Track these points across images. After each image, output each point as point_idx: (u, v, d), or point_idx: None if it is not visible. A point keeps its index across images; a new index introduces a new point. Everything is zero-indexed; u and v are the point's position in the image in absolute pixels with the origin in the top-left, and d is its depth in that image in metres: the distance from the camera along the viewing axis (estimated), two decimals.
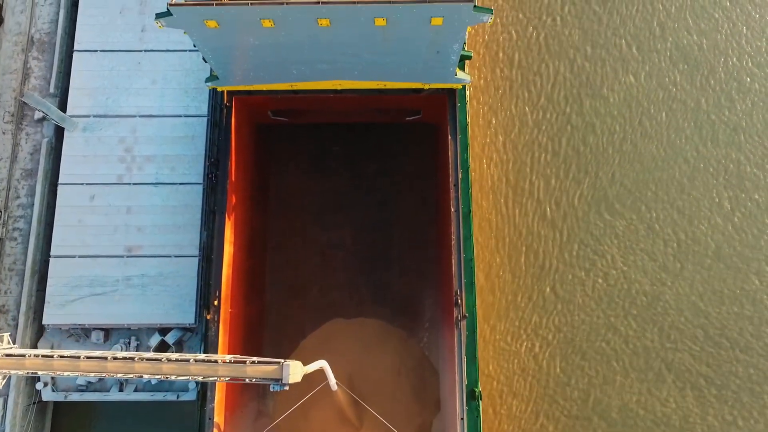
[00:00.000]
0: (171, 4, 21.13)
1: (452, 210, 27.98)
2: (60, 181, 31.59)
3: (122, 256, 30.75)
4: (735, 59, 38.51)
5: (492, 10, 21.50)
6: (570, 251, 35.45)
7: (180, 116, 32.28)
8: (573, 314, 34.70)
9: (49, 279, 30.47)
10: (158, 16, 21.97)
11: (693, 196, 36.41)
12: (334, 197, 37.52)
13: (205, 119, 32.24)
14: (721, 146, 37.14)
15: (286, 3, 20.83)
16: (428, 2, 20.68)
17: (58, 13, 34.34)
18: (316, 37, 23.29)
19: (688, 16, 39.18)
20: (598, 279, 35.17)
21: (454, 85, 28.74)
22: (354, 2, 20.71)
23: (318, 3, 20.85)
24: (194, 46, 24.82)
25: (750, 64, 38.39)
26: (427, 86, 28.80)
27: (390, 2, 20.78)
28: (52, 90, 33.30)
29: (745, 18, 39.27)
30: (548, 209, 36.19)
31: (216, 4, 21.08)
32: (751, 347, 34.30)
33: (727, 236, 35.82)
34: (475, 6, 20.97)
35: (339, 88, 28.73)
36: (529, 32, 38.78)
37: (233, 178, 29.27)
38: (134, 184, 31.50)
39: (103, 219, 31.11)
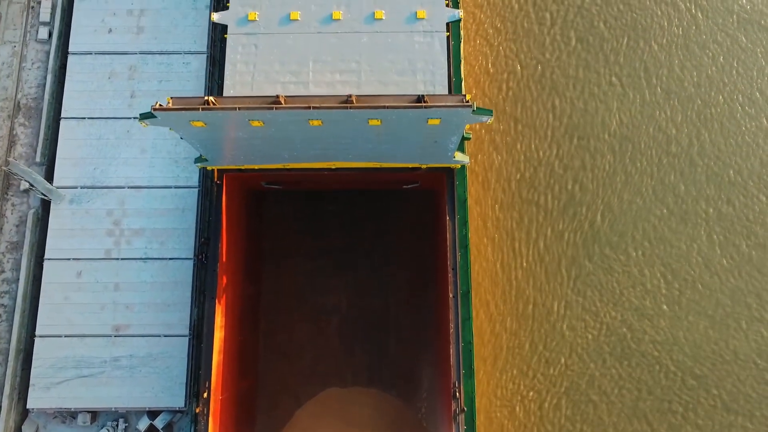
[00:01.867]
0: (155, 109, 20.27)
1: (450, 296, 27.13)
2: (46, 256, 30.63)
3: (110, 336, 29.76)
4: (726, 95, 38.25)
5: (492, 112, 20.65)
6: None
7: (170, 187, 31.31)
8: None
9: (33, 361, 29.44)
10: (142, 116, 21.12)
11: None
12: (329, 259, 36.62)
13: (196, 190, 31.32)
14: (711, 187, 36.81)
15: (276, 108, 19.98)
16: (425, 107, 19.86)
17: (45, 77, 33.38)
18: (308, 132, 22.47)
19: (678, 54, 38.75)
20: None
21: (452, 165, 27.91)
22: (347, 107, 19.88)
23: (309, 108, 20.02)
24: (180, 138, 23.96)
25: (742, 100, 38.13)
26: (424, 166, 27.98)
27: (385, 107, 19.94)
28: (38, 158, 32.34)
29: (735, 57, 38.87)
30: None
31: (202, 109, 20.23)
32: None
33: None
34: (474, 110, 20.14)
35: (333, 167, 27.90)
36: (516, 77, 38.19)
37: (224, 259, 28.40)
38: (122, 259, 30.53)
39: (90, 296, 30.14)
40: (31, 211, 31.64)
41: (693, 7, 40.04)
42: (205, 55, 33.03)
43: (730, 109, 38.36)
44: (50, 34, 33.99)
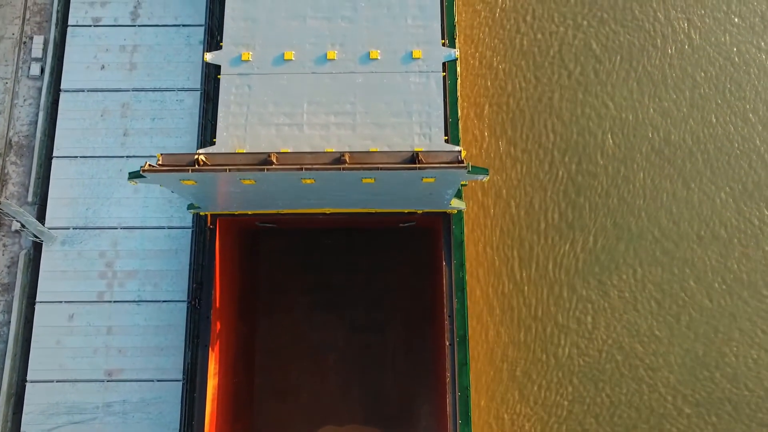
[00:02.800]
0: (144, 170, 19.87)
1: (447, 344, 26.69)
2: (38, 299, 30.21)
3: (102, 381, 29.33)
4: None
5: (488, 171, 20.24)
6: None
7: (163, 228, 30.91)
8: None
9: (25, 406, 29.00)
10: (131, 175, 20.72)
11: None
12: (325, 295, 36.16)
13: (190, 231, 30.92)
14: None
15: (267, 170, 19.57)
16: (419, 168, 19.44)
17: (37, 115, 33.03)
18: (301, 187, 22.07)
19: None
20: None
21: (449, 210, 27.51)
22: (340, 168, 19.47)
23: (301, 169, 19.60)
24: (171, 192, 23.58)
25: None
26: (420, 211, 27.57)
27: (378, 168, 19.52)
28: (30, 198, 31.95)
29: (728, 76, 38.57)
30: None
31: (192, 170, 19.82)
32: None
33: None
34: (469, 170, 19.72)
35: (328, 212, 27.49)
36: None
37: (218, 305, 27.97)
38: (115, 302, 30.11)
39: (83, 340, 29.73)
40: (23, 252, 31.24)
41: (687, 26, 39.65)
42: (198, 92, 32.70)
43: (723, 130, 38.01)
44: (42, 71, 33.62)
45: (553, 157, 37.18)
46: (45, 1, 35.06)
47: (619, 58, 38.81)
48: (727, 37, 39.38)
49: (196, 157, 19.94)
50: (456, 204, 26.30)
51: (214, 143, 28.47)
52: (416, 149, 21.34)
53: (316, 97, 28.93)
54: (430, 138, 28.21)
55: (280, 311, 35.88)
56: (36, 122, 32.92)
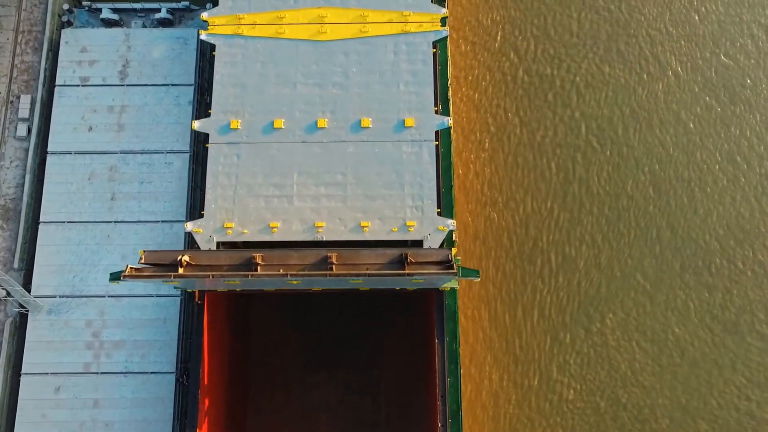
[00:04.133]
0: (125, 275, 19.34)
1: (438, 425, 26.04)
2: (23, 370, 29.55)
3: None
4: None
5: (479, 272, 19.70)
6: None
7: (151, 296, 30.27)
8: None
9: None
10: (112, 277, 20.18)
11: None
12: (318, 354, 35.48)
13: (178, 299, 30.33)
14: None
15: (251, 276, 19.04)
16: (407, 275, 18.89)
17: (24, 177, 32.46)
18: (288, 283, 21.53)
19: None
20: None
21: (442, 287, 26.94)
22: (326, 275, 18.93)
23: (286, 276, 19.05)
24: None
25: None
26: (411, 289, 27.03)
27: (366, 275, 18.97)
28: (16, 264, 31.33)
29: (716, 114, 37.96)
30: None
31: (173, 276, 19.28)
32: None
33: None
34: (459, 273, 19.17)
35: (319, 290, 26.96)
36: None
37: (206, 381, 27.36)
38: (102, 373, 29.48)
39: (68, 414, 29.06)
40: (9, 321, 30.61)
41: (674, 61, 39.00)
42: (187, 154, 32.15)
43: (709, 170, 37.32)
44: (29, 131, 33.02)
45: (540, 195, 36.57)
46: (33, 59, 34.57)
47: (604, 95, 38.13)
48: (714, 74, 38.67)
49: (179, 258, 19.36)
50: (450, 284, 25.77)
51: (202, 215, 28.05)
52: (405, 252, 20.55)
53: (306, 167, 28.40)
54: (422, 210, 27.68)
55: (272, 370, 35.23)
56: (23, 185, 32.36)
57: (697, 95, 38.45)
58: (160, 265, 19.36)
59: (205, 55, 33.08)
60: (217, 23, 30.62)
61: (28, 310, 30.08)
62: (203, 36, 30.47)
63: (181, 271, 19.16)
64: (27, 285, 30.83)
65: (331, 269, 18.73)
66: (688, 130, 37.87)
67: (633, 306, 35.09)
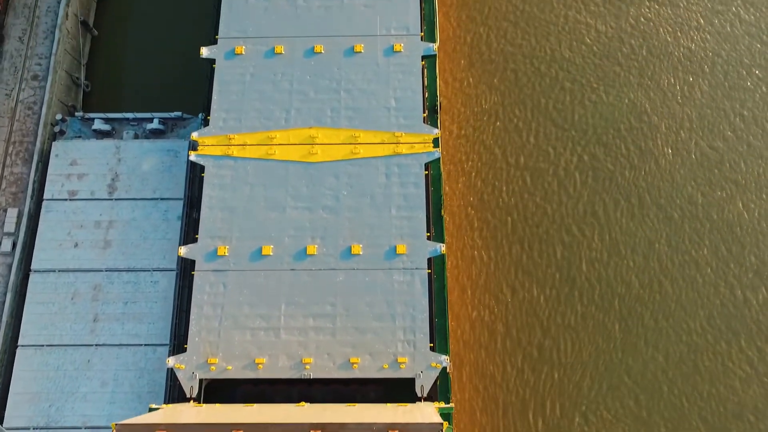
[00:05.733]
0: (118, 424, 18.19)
1: None
2: None
3: None
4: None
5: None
6: None
7: None
8: None
9: None
10: None
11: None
12: None
13: None
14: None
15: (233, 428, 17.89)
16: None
17: (5, 294, 31.54)
18: None
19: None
20: None
21: None
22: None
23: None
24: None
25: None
26: None
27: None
28: None
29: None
30: None
31: None
32: None
33: None
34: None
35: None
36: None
37: None
38: None
39: None
40: None
41: (663, 145, 38.51)
42: (174, 272, 31.31)
43: (693, 260, 36.23)
44: (14, 246, 32.38)
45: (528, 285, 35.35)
46: (23, 170, 34.27)
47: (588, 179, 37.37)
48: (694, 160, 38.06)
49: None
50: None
51: (185, 349, 26.94)
52: (393, 421, 19.37)
53: (295, 297, 27.46)
54: (414, 345, 26.55)
55: None
56: (3, 303, 31.38)
57: (679, 184, 37.73)
58: None
59: (196, 167, 32.82)
60: (207, 143, 30.42)
61: None
62: (193, 157, 30.18)
63: None
64: (0, 413, 29.45)
65: None
66: (673, 220, 36.99)
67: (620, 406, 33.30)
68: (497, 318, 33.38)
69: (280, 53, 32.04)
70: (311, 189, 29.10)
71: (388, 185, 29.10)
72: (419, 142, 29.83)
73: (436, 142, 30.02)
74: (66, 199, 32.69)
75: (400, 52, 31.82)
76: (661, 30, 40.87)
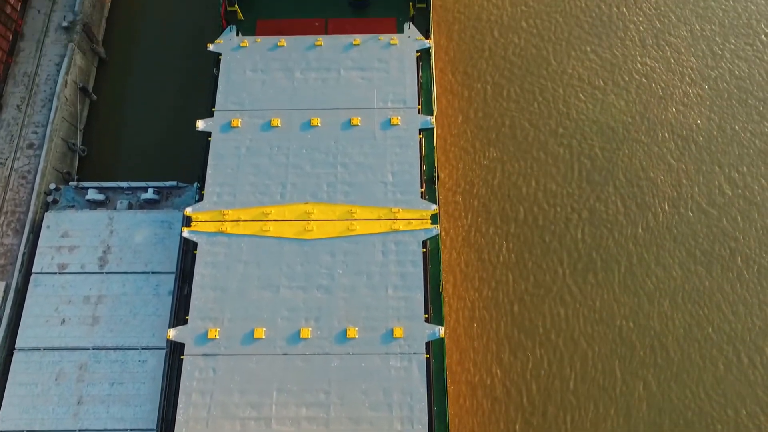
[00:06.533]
0: None
1: None
2: None
3: None
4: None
5: None
6: None
7: None
8: None
9: None
10: None
11: None
12: None
13: None
14: None
15: None
16: None
17: None
18: None
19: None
20: None
21: None
22: None
23: None
24: None
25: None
26: None
27: None
28: None
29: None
30: None
31: None
32: None
33: None
34: None
35: None
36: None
37: None
38: None
39: None
40: None
41: (660, 201, 38.03)
42: (164, 350, 30.23)
43: (684, 333, 35.05)
44: None
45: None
46: (13, 241, 33.61)
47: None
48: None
49: None
50: None
51: None
52: None
53: (287, 384, 26.33)
54: None
55: None
56: None
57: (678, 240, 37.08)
58: None
59: (189, 240, 32.10)
60: (200, 219, 29.87)
61: None
62: (185, 234, 29.55)
63: None
64: None
65: None
66: (672, 277, 36.04)
67: None
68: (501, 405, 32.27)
69: (277, 126, 31.89)
70: (306, 267, 28.35)
71: (385, 263, 28.35)
72: (417, 219, 29.27)
73: (434, 218, 29.48)
74: (55, 273, 31.88)
75: (397, 125, 31.67)
76: (653, 85, 41.17)
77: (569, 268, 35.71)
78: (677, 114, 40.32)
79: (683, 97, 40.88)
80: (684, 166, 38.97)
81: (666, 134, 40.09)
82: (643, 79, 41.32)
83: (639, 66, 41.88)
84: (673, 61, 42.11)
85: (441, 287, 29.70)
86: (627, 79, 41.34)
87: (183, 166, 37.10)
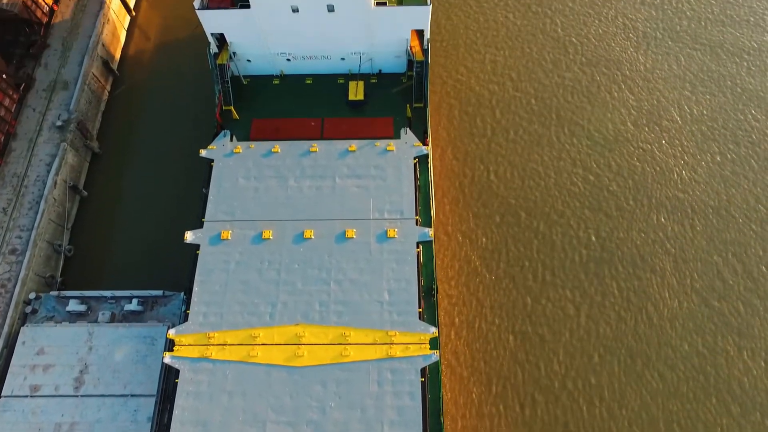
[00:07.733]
0: None
1: None
2: None
3: None
4: None
5: None
6: None
7: None
8: None
9: None
10: None
11: None
12: None
13: None
14: None
15: None
16: None
17: None
18: None
19: None
20: None
21: None
22: None
23: None
24: None
25: None
26: None
27: None
28: None
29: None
30: None
31: None
32: None
33: None
34: None
35: None
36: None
37: None
38: None
39: None
40: None
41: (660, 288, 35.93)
42: None
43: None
44: None
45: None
46: None
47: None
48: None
49: None
50: None
51: None
52: None
53: None
54: None
55: None
56: None
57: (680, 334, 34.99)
58: None
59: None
60: (184, 342, 27.97)
61: None
62: (167, 359, 27.57)
63: None
64: None
65: None
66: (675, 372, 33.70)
67: None
68: None
69: (269, 238, 30.57)
70: (295, 399, 26.17)
71: (380, 395, 26.18)
72: (414, 343, 27.35)
73: (433, 343, 27.57)
74: (27, 396, 29.67)
75: (394, 238, 30.34)
76: (648, 175, 40.27)
77: (571, 363, 33.49)
78: (669, 203, 39.37)
79: (676, 192, 39.96)
80: (682, 254, 37.50)
81: (662, 219, 38.96)
82: (636, 167, 40.61)
83: (631, 151, 41.29)
84: (664, 142, 41.55)
85: (441, 415, 27.39)
86: (617, 167, 40.59)
87: (172, 269, 35.37)
